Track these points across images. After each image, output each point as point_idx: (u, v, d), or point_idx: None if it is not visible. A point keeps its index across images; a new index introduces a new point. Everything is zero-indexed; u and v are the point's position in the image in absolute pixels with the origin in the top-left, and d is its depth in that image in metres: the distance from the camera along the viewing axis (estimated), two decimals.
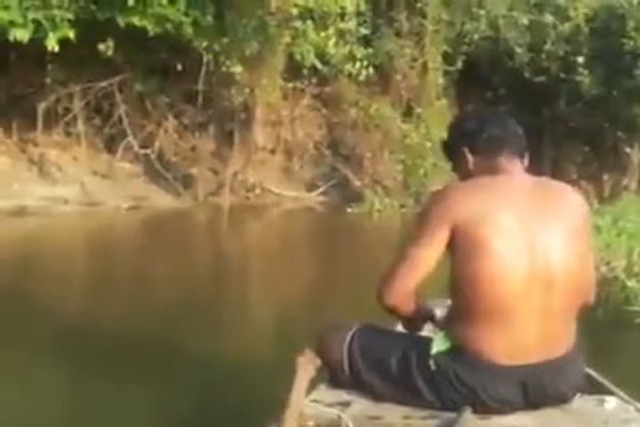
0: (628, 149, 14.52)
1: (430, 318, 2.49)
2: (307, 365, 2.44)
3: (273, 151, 13.90)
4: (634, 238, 7.35)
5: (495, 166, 2.38)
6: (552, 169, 13.10)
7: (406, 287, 2.33)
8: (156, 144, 13.06)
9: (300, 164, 13.97)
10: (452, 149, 2.48)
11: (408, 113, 13.94)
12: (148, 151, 12.95)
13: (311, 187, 13.81)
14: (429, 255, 2.28)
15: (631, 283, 5.93)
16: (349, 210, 12.31)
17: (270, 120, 13.60)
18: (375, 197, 13.01)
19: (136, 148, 12.95)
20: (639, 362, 4.32)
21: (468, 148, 2.41)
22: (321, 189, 13.71)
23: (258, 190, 13.29)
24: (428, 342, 2.37)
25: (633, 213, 8.81)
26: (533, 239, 2.26)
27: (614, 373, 2.65)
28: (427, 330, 2.56)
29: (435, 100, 13.81)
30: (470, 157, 2.41)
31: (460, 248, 2.26)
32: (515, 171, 2.39)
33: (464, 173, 2.44)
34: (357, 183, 13.60)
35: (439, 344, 2.34)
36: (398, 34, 13.89)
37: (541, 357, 2.30)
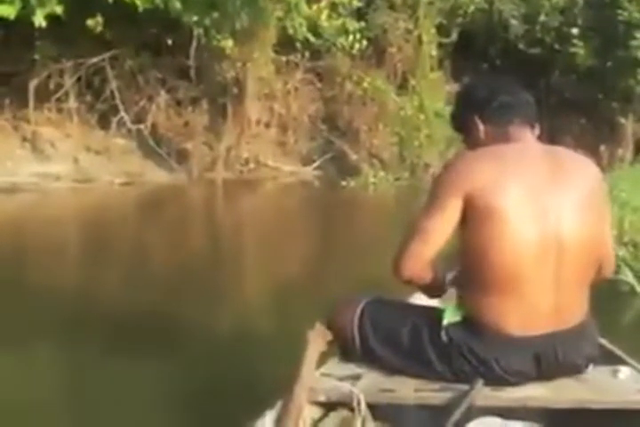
0: (622, 120, 14.48)
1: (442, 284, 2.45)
2: (317, 338, 2.41)
3: (267, 125, 13.79)
4: (625, 208, 7.33)
5: (506, 135, 2.34)
6: (549, 141, 13.00)
7: (421, 261, 2.29)
8: (149, 119, 12.94)
9: (294, 138, 13.87)
10: (461, 118, 2.44)
11: (403, 85, 13.86)
12: (141, 127, 12.83)
13: (307, 161, 13.73)
14: (443, 227, 2.24)
15: (622, 252, 5.92)
16: (344, 183, 12.27)
17: (264, 94, 13.48)
18: (370, 170, 12.97)
19: (129, 123, 12.83)
20: (630, 330, 4.36)
21: (478, 116, 2.36)
22: (317, 163, 13.64)
23: (252, 165, 13.22)
24: (439, 313, 2.34)
25: (626, 183, 8.79)
26: (545, 208, 2.22)
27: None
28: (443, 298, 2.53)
29: (429, 72, 13.72)
30: (481, 126, 2.37)
31: (471, 218, 2.22)
32: (526, 139, 2.35)
33: (474, 143, 2.39)
34: (353, 157, 13.51)
35: (450, 316, 2.32)
36: (392, 6, 13.78)
37: (554, 327, 2.27)
